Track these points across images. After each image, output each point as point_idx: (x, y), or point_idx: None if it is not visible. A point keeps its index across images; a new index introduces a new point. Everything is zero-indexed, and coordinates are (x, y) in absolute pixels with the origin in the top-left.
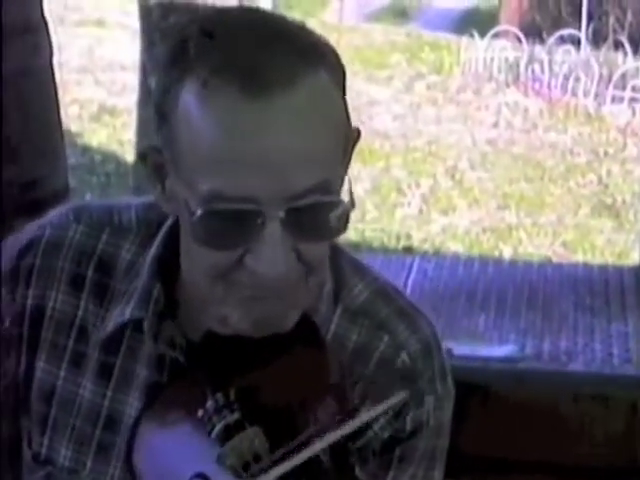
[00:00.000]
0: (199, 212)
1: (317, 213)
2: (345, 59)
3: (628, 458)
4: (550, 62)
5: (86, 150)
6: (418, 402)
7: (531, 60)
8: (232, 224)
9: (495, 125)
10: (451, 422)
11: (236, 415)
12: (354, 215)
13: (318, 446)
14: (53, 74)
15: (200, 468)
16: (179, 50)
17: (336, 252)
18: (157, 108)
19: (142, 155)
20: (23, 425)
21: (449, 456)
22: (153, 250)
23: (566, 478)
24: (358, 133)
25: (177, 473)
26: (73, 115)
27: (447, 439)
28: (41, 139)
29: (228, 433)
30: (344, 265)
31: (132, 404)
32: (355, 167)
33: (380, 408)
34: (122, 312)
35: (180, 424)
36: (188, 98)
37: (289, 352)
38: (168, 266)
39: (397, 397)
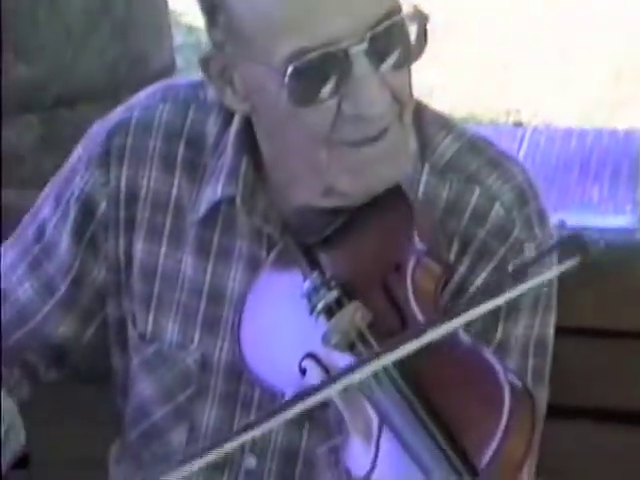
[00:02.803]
0: (290, 70)
1: (396, 35)
2: None
3: None
4: None
5: (192, 30)
6: (518, 250)
7: None
8: (323, 71)
9: None
10: (567, 299)
11: (334, 293)
12: (460, 91)
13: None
14: None
15: (307, 349)
16: None
17: (420, 109)
18: (205, 4)
19: (204, 63)
20: (126, 307)
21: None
22: (235, 125)
23: None
24: None
25: (284, 353)
26: None
27: (555, 285)
28: (147, 16)
29: (329, 312)
30: (429, 122)
31: (235, 277)
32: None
33: (548, 274)
34: (213, 190)
35: (281, 303)
36: None
37: (379, 219)
38: (251, 143)
39: (568, 263)
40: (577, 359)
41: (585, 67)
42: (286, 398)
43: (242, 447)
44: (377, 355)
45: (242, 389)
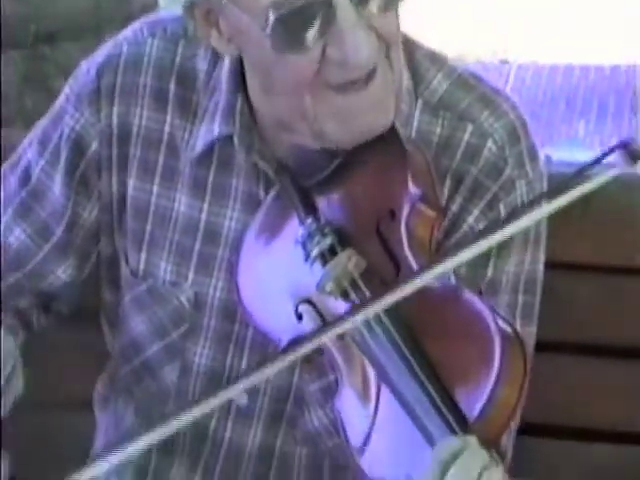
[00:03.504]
0: (272, 18)
1: None
2: None
3: None
4: None
5: None
6: (509, 188)
7: None
8: (306, 18)
9: None
10: (555, 230)
11: (328, 240)
12: (447, 32)
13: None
14: None
15: (302, 295)
16: None
17: (411, 46)
18: None
19: (188, 9)
20: (119, 245)
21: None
22: (227, 64)
23: None
24: None
25: (280, 298)
26: None
27: (544, 220)
28: None
29: (323, 259)
30: (421, 58)
31: (231, 216)
32: None
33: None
34: (210, 129)
35: (278, 247)
36: None
37: (373, 163)
38: (244, 82)
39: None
40: (570, 295)
41: (571, 4)
42: (282, 346)
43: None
44: (368, 302)
45: (236, 328)
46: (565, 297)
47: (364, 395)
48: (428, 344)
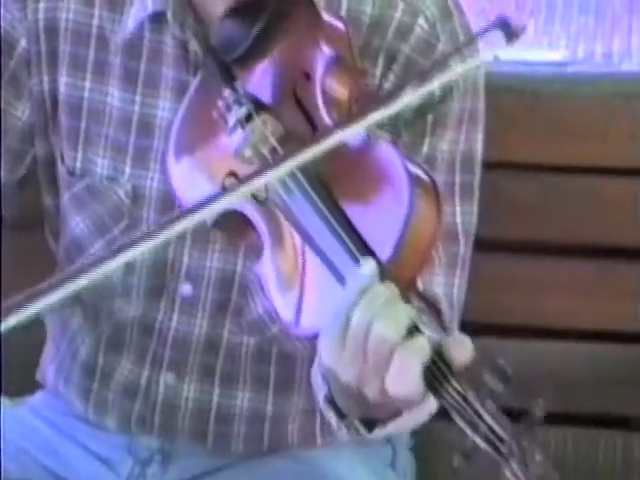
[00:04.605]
0: None
1: None
2: None
3: None
4: None
5: None
6: (443, 65)
7: None
8: None
9: None
10: (499, 133)
11: (245, 108)
12: None
13: (351, 130)
14: None
15: (226, 168)
16: None
17: None
18: None
19: None
20: (54, 144)
21: None
22: None
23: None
24: None
25: (209, 179)
26: None
27: (482, 100)
28: None
29: (241, 127)
30: None
31: (163, 106)
32: None
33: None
34: (142, 7)
35: (204, 130)
36: None
37: (288, 30)
38: None
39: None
40: (508, 193)
41: None
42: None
43: (177, 274)
44: (282, 159)
45: None
46: (509, 197)
47: (292, 264)
48: (342, 196)
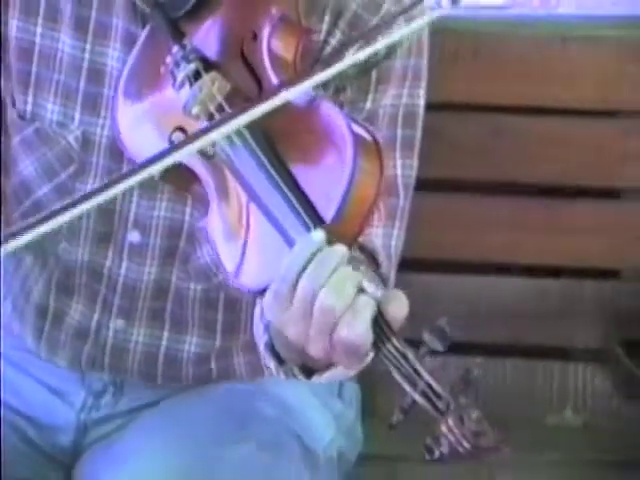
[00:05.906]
0: None
1: None
2: None
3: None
4: None
5: None
6: (389, 23)
7: None
8: None
9: None
10: (442, 75)
11: (192, 65)
12: None
13: (297, 89)
14: None
15: (174, 123)
16: None
17: None
18: None
19: None
20: (4, 87)
21: None
22: None
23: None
24: None
25: (156, 133)
26: None
27: (425, 58)
28: None
29: (189, 84)
30: None
31: (113, 56)
32: None
33: (397, 35)
34: None
35: (151, 84)
36: None
37: None
38: None
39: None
40: (447, 135)
41: None
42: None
43: (125, 222)
44: (229, 117)
45: (124, 167)
46: (452, 137)
47: (237, 219)
48: (287, 154)
